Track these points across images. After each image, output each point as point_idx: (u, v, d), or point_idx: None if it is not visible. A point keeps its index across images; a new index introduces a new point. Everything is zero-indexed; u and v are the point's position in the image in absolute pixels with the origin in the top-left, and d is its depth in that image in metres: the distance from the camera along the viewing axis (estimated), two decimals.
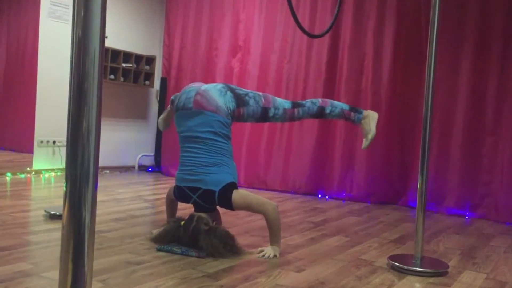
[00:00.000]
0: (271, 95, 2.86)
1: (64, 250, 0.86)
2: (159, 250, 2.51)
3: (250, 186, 5.07)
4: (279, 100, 2.81)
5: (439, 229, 3.57)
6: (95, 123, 0.86)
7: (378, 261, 2.59)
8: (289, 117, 2.82)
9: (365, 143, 2.86)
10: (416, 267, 2.42)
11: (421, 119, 2.77)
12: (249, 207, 2.60)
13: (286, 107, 2.79)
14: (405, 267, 2.41)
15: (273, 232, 2.60)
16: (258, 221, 3.44)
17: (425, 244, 2.87)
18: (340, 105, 2.89)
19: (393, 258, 2.54)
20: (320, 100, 2.88)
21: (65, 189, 0.87)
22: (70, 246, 0.86)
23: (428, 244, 3.02)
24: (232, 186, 2.61)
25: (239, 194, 2.59)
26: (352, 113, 2.87)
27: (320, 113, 2.85)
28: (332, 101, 2.92)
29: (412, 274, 2.38)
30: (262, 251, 2.58)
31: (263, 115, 2.74)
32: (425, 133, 2.47)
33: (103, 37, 0.86)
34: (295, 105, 2.83)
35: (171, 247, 2.52)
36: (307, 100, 2.89)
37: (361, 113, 2.88)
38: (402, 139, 4.54)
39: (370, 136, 2.83)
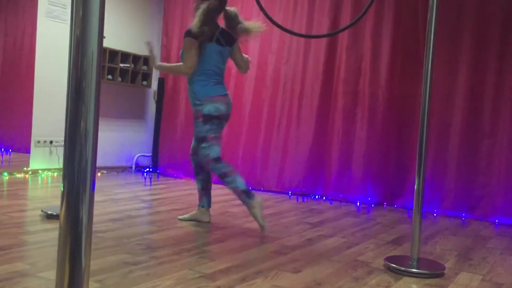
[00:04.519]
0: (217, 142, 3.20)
1: (61, 250, 0.86)
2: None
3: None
4: (215, 148, 3.16)
5: (435, 231, 3.58)
6: (92, 123, 0.86)
7: (375, 262, 2.60)
8: (206, 161, 3.18)
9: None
10: (413, 269, 2.42)
11: (418, 121, 2.78)
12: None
13: (212, 155, 3.14)
14: (402, 268, 2.42)
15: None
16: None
17: (422, 246, 2.88)
18: (240, 183, 3.10)
19: (389, 259, 2.55)
20: (230, 168, 3.16)
21: (62, 189, 0.86)
22: (67, 246, 0.86)
23: (424, 246, 3.03)
24: None
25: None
26: (243, 195, 3.10)
27: (222, 177, 3.15)
28: (236, 175, 3.13)
29: (408, 276, 2.38)
30: None
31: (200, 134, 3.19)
32: (422, 135, 2.47)
33: (101, 37, 0.86)
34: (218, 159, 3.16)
35: None
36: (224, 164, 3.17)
37: (251, 198, 3.09)
38: (399, 141, 4.55)
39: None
